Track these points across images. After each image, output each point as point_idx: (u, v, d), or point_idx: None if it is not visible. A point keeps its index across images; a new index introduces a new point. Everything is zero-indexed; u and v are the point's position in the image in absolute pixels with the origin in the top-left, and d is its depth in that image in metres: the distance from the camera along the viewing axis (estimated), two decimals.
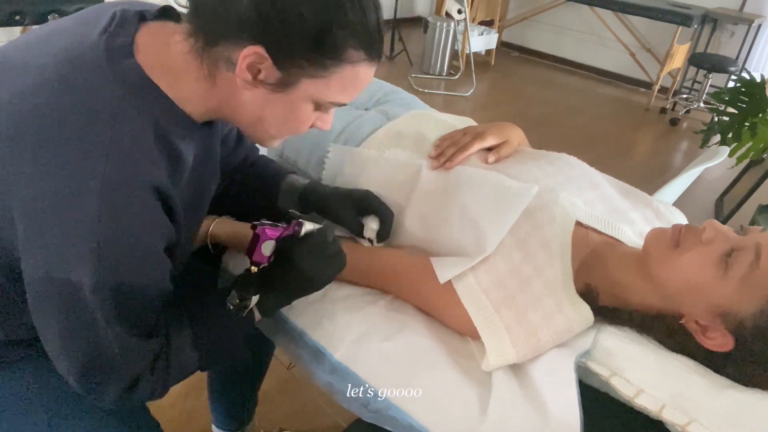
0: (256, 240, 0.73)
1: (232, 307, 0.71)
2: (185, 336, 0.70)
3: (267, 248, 0.73)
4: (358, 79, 0.66)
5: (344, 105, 0.70)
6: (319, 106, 0.68)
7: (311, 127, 0.72)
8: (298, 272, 0.74)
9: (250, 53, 0.59)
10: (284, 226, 0.75)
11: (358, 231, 0.90)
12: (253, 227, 0.73)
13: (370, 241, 0.90)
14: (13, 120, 0.57)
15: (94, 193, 0.55)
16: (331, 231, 0.76)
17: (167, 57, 0.63)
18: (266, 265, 0.74)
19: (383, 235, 0.90)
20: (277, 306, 0.77)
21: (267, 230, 0.73)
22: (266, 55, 0.60)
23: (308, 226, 0.75)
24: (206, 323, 0.72)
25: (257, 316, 0.75)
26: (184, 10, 0.65)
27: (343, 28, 0.60)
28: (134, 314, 0.63)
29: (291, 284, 0.75)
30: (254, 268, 0.73)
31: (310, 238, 0.74)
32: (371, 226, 0.89)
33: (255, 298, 0.72)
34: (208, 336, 0.72)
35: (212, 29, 0.61)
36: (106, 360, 0.63)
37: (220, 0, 0.59)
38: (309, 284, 0.76)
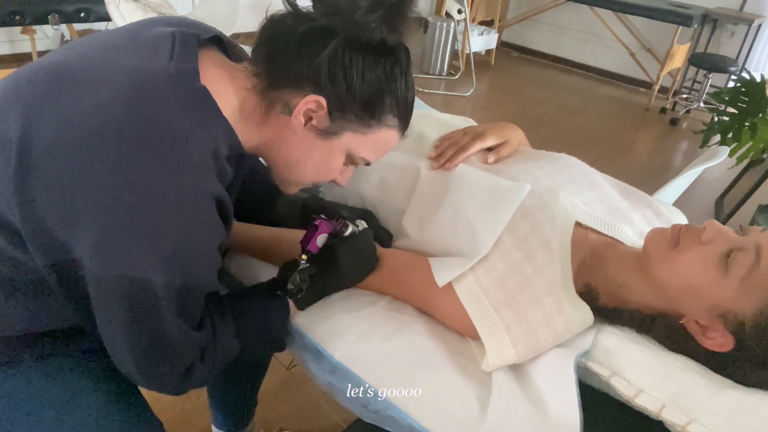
0: (313, 230, 0.79)
1: (293, 287, 0.77)
2: (229, 326, 0.75)
3: (321, 240, 0.80)
4: (388, 143, 0.76)
5: (368, 165, 0.79)
6: (350, 160, 0.77)
7: (331, 180, 0.80)
8: (338, 267, 0.81)
9: (312, 101, 0.68)
10: (335, 222, 0.81)
11: None
12: (313, 219, 0.80)
13: None
14: (93, 131, 0.60)
15: (171, 202, 0.61)
16: (370, 234, 0.85)
17: (229, 89, 0.70)
18: (314, 255, 0.79)
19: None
20: (310, 300, 0.82)
21: (325, 224, 0.80)
22: (325, 105, 0.68)
23: (352, 227, 0.82)
24: (247, 314, 0.78)
25: (293, 309, 0.81)
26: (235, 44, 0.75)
27: (391, 97, 0.71)
28: (192, 308, 0.69)
29: (329, 279, 0.82)
30: (304, 256, 0.79)
31: (354, 238, 0.82)
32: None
33: (308, 279, 0.79)
34: (248, 326, 0.77)
35: (280, 74, 0.69)
36: (166, 351, 0.67)
37: (297, 52, 0.67)
38: (344, 281, 0.84)
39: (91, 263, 0.61)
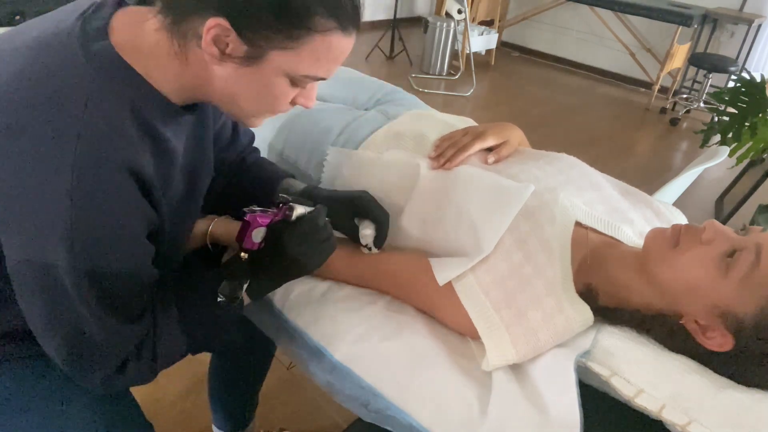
0: (246, 227, 0.73)
1: (223, 298, 0.71)
2: (172, 320, 0.70)
3: (258, 235, 0.73)
4: (332, 50, 0.64)
5: (323, 79, 0.67)
6: (295, 81, 0.66)
7: (293, 104, 0.70)
8: (288, 257, 0.73)
9: (213, 25, 0.58)
10: (274, 211, 0.75)
11: (353, 235, 0.89)
12: (243, 214, 0.73)
13: (368, 248, 0.88)
14: None
15: (65, 174, 0.55)
16: (322, 215, 0.76)
17: (141, 37, 0.62)
18: (256, 250, 0.74)
19: (379, 241, 0.89)
20: (266, 290, 0.78)
21: (258, 217, 0.73)
22: (229, 26, 0.58)
23: (299, 210, 0.74)
24: (194, 307, 0.72)
25: (246, 300, 0.75)
26: None
27: None
28: (116, 298, 0.63)
29: (281, 269, 0.75)
30: (244, 255, 0.73)
31: (301, 223, 0.74)
32: (366, 232, 0.87)
33: (245, 285, 0.73)
34: (196, 320, 0.72)
35: (180, 3, 0.60)
36: (89, 343, 0.63)
37: None
38: (299, 268, 0.76)
39: (5, 249, 0.59)
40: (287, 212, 0.73)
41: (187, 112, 0.70)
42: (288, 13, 0.59)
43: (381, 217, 0.88)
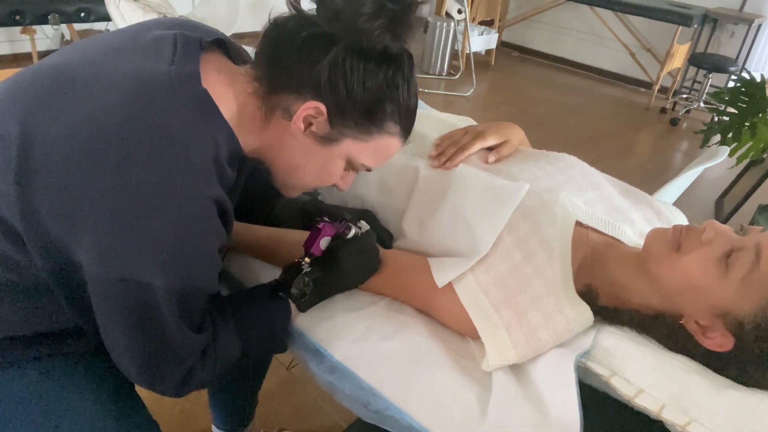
0: (316, 234, 0.79)
1: (296, 292, 0.77)
2: (230, 328, 0.75)
3: (324, 243, 0.80)
4: (389, 150, 0.76)
5: (369, 170, 0.79)
6: (350, 166, 0.77)
7: (332, 185, 0.80)
8: (341, 269, 0.81)
9: (312, 107, 0.68)
10: (338, 225, 0.81)
11: None
12: (316, 222, 0.80)
13: None
14: (93, 136, 0.60)
15: (172, 206, 0.60)
16: (373, 237, 0.85)
17: (230, 92, 0.70)
18: (317, 257, 0.80)
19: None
20: (313, 301, 0.82)
21: (328, 227, 0.80)
22: (325, 112, 0.68)
23: (355, 230, 0.82)
24: (248, 316, 0.78)
25: (294, 311, 0.81)
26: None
27: (392, 104, 0.70)
28: (193, 311, 0.69)
29: (332, 279, 0.82)
30: (307, 259, 0.79)
31: (356, 241, 0.82)
32: None
33: (313, 281, 0.79)
34: (250, 327, 0.77)
35: (280, 80, 0.69)
36: (167, 354, 0.67)
37: (298, 58, 0.67)
38: (346, 283, 0.84)
39: (92, 267, 0.61)
40: (345, 230, 0.81)
41: (244, 161, 0.78)
42: (374, 114, 0.70)
43: (383, 238, 0.93)
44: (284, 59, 0.68)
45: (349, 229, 0.82)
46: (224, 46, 0.77)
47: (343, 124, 0.70)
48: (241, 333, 0.76)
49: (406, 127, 0.75)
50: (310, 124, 0.70)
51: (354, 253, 0.81)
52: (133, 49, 0.70)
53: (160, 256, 0.61)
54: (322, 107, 0.68)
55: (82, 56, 0.69)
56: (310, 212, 0.95)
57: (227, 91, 0.70)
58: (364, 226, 0.84)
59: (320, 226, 0.79)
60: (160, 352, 0.67)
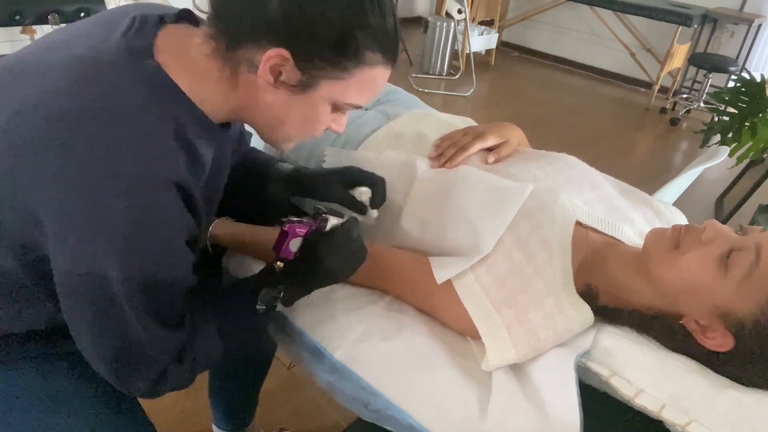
0: (284, 237, 0.74)
1: (263, 306, 0.73)
2: (210, 326, 0.72)
3: (294, 245, 0.75)
4: (375, 81, 0.68)
5: (360, 107, 0.72)
6: (336, 108, 0.70)
7: (326, 129, 0.74)
8: (323, 267, 0.76)
9: (274, 55, 0.61)
10: (310, 221, 0.76)
11: (350, 203, 0.89)
12: (281, 224, 0.75)
13: (365, 208, 0.88)
14: (39, 123, 0.58)
15: (120, 191, 0.57)
16: (355, 226, 0.78)
17: (187, 59, 0.65)
18: (291, 260, 0.76)
19: (377, 200, 0.89)
20: (298, 297, 0.79)
21: (296, 228, 0.74)
22: (289, 57, 0.61)
23: (333, 221, 0.77)
24: (229, 312, 0.75)
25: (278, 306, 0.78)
26: (202, 14, 0.67)
27: (363, 32, 0.62)
28: (162, 306, 0.66)
29: (314, 277, 0.77)
30: (280, 264, 0.75)
31: (335, 234, 0.76)
32: (362, 189, 0.88)
33: (282, 293, 0.75)
34: (231, 324, 0.75)
35: (235, 32, 0.62)
36: (136, 352, 0.65)
37: (246, 4, 0.61)
38: (331, 277, 0.79)
39: (55, 258, 0.60)
40: (321, 223, 0.76)
41: (222, 129, 0.73)
42: (344, 48, 0.62)
43: (374, 179, 0.89)
44: (233, 8, 0.62)
45: (326, 221, 0.76)
46: (194, 20, 0.71)
47: (314, 65, 0.63)
48: (221, 331, 0.73)
49: (389, 52, 0.67)
50: (279, 73, 0.63)
51: (334, 248, 0.76)
52: (89, 30, 0.67)
53: (112, 245, 0.58)
54: (285, 53, 0.61)
55: (38, 46, 0.67)
56: (296, 180, 0.92)
57: (185, 60, 0.65)
58: (347, 212, 0.79)
59: (286, 229, 0.74)
60: (126, 349, 0.64)
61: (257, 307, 0.74)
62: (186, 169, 0.64)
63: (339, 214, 0.78)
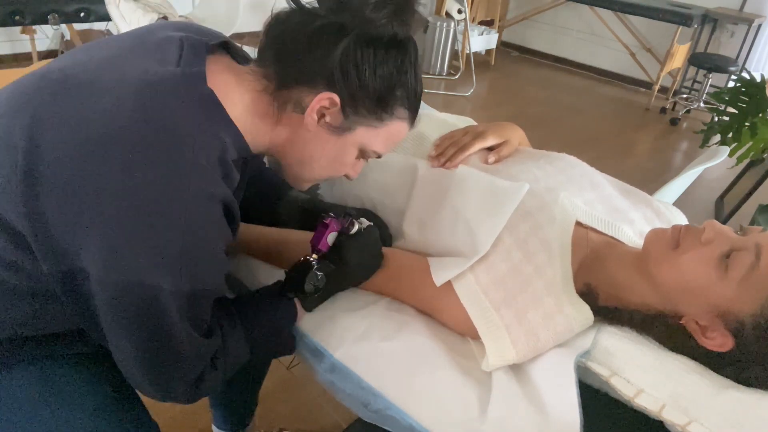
0: (324, 229, 0.79)
1: (311, 288, 0.77)
2: (239, 331, 0.76)
3: (331, 238, 0.79)
4: (399, 135, 0.77)
5: (379, 157, 0.79)
6: (362, 154, 0.77)
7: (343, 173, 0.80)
8: (346, 266, 0.80)
9: (325, 98, 0.68)
10: (342, 220, 0.80)
11: None
12: (322, 217, 0.79)
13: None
14: (99, 139, 0.60)
15: (179, 207, 0.60)
16: (376, 232, 0.84)
17: (237, 91, 0.70)
18: (324, 253, 0.79)
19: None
20: (319, 301, 0.82)
21: (334, 222, 0.79)
22: (338, 102, 0.69)
23: (358, 225, 0.81)
24: (256, 318, 0.78)
25: (300, 311, 0.81)
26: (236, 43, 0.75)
27: (402, 90, 0.72)
28: (201, 314, 0.69)
29: (337, 277, 0.81)
30: (315, 256, 0.79)
31: (360, 236, 0.81)
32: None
33: (323, 279, 0.79)
34: (258, 330, 0.78)
35: (291, 74, 0.69)
36: (176, 359, 0.67)
37: (312, 51, 0.67)
38: (351, 280, 0.84)
39: (99, 271, 0.61)
40: (349, 226, 0.80)
41: (254, 159, 0.78)
42: (385, 102, 0.71)
43: (384, 235, 0.92)
44: (293, 53, 0.68)
45: (353, 225, 0.81)
46: (229, 49, 0.77)
47: (356, 112, 0.71)
48: (249, 336, 0.76)
49: (414, 110, 0.76)
50: (323, 115, 0.71)
51: (358, 249, 0.81)
52: (139, 51, 0.70)
53: (168, 258, 0.61)
54: (336, 98, 0.68)
55: (88, 60, 0.69)
56: (309, 211, 0.95)
57: (234, 91, 0.70)
58: (365, 222, 0.84)
59: (327, 222, 0.79)
60: (169, 358, 0.66)
61: (306, 287, 0.76)
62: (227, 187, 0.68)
63: (363, 221, 0.83)
